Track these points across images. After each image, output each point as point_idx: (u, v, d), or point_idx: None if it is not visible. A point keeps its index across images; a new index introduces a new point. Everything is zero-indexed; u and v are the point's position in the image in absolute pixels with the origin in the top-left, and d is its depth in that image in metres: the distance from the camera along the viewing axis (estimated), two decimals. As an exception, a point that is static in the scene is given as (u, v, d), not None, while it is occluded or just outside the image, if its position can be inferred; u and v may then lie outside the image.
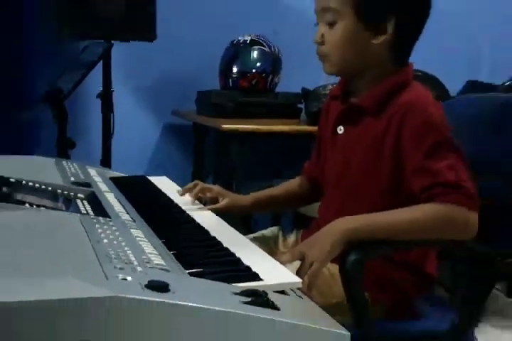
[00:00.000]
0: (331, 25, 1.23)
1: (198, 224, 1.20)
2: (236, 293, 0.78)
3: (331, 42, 1.24)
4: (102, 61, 2.41)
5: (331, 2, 1.22)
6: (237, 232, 1.18)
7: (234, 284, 0.83)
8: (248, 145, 2.56)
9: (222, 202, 1.43)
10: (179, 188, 1.55)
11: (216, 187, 1.48)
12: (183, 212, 1.31)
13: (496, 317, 2.74)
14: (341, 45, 1.23)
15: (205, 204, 1.43)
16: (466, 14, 3.43)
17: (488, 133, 1.43)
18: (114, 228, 0.99)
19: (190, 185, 1.46)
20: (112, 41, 2.40)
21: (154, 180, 1.65)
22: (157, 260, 0.86)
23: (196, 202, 1.42)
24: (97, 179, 1.47)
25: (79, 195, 1.22)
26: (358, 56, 1.25)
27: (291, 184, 1.53)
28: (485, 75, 3.29)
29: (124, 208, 1.21)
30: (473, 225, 1.14)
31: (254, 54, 2.81)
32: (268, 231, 1.51)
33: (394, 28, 1.21)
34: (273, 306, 0.77)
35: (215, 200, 1.45)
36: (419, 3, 1.25)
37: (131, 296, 0.67)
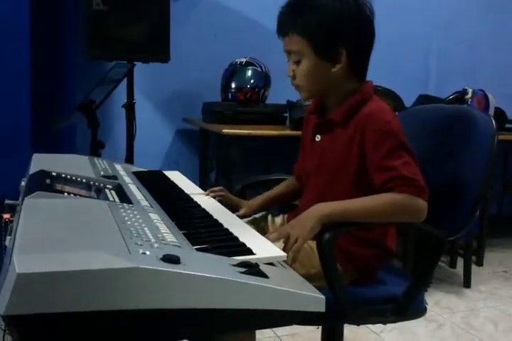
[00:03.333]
0: (298, 62, 1.24)
1: (204, 209, 1.20)
2: (234, 265, 0.78)
3: (300, 76, 1.25)
4: (126, 78, 2.39)
5: (293, 45, 1.23)
6: (234, 216, 1.18)
7: (232, 257, 0.83)
8: (244, 146, 2.55)
9: (241, 212, 1.43)
10: (189, 181, 1.55)
11: (236, 200, 1.47)
12: (192, 199, 1.30)
13: (441, 284, 2.75)
14: (308, 78, 1.25)
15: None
16: (420, 40, 3.43)
17: (434, 135, 1.43)
18: (135, 212, 0.98)
19: (217, 188, 1.45)
20: (134, 62, 2.39)
21: (168, 174, 1.64)
22: (170, 238, 0.86)
23: (202, 191, 1.42)
24: (122, 173, 1.46)
25: (107, 185, 1.21)
26: (322, 83, 1.26)
27: (287, 184, 1.52)
28: (433, 90, 3.30)
29: (144, 196, 1.20)
30: (422, 211, 1.14)
31: (249, 73, 2.80)
32: (260, 215, 1.51)
33: (346, 57, 1.21)
34: (263, 275, 0.77)
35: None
36: (363, 35, 1.24)
37: (149, 267, 0.67)
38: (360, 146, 1.21)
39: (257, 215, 1.50)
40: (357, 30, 1.22)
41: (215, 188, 1.45)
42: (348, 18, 1.21)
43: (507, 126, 3.10)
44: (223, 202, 1.38)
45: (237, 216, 1.37)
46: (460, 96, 2.89)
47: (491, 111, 2.93)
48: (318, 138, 1.33)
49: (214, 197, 1.41)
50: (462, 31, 3.51)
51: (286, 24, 1.25)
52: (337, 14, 1.20)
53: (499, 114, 3.03)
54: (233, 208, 1.43)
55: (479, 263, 3.05)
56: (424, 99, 2.88)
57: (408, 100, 2.78)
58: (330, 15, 1.20)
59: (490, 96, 2.94)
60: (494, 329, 2.25)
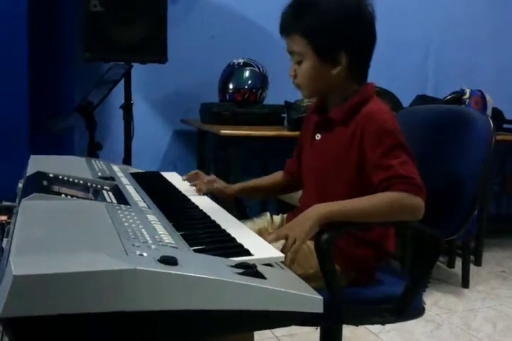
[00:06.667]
0: (299, 62, 1.25)
1: (201, 210, 1.19)
2: (231, 266, 0.78)
3: (301, 76, 1.26)
4: (123, 79, 2.39)
5: (295, 47, 1.25)
6: (232, 217, 1.17)
7: (230, 258, 0.83)
8: (242, 146, 2.56)
9: (214, 185, 1.46)
10: (187, 182, 1.54)
11: (211, 177, 1.49)
12: (189, 200, 1.30)
13: (439, 284, 2.75)
14: (308, 78, 1.26)
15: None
16: (418, 42, 3.44)
17: (431, 135, 1.43)
18: (133, 213, 0.98)
19: (192, 173, 1.49)
20: (132, 63, 2.39)
21: (166, 175, 1.63)
22: (168, 239, 0.86)
23: (199, 192, 1.42)
24: (120, 174, 1.45)
25: (105, 187, 1.21)
26: (322, 84, 1.27)
27: (274, 177, 1.54)
28: (431, 91, 3.30)
29: (142, 197, 1.20)
30: (420, 209, 1.14)
31: (246, 73, 2.80)
32: (258, 217, 1.51)
33: (346, 60, 1.22)
34: (261, 276, 0.77)
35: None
36: (364, 38, 1.24)
37: (146, 268, 0.67)
38: (360, 145, 1.22)
39: (256, 217, 1.50)
40: (358, 33, 1.23)
41: (191, 174, 1.48)
42: (349, 21, 1.21)
43: (504, 126, 3.10)
44: (221, 203, 1.38)
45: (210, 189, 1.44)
46: (458, 97, 2.89)
47: (489, 112, 2.94)
48: (318, 136, 1.34)
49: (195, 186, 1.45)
50: (460, 32, 3.52)
51: (288, 25, 1.25)
52: (339, 17, 1.21)
53: (497, 114, 3.04)
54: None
55: (478, 263, 3.05)
56: (421, 99, 2.88)
57: (406, 101, 2.79)
58: (332, 19, 1.20)
59: (487, 96, 2.94)
60: (493, 330, 2.25)
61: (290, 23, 1.25)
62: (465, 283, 2.74)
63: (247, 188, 1.51)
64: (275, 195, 1.56)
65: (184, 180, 1.51)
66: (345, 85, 1.27)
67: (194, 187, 1.45)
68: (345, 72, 1.24)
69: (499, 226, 3.55)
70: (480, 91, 2.94)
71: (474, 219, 1.30)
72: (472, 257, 2.95)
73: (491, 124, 1.32)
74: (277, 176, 1.53)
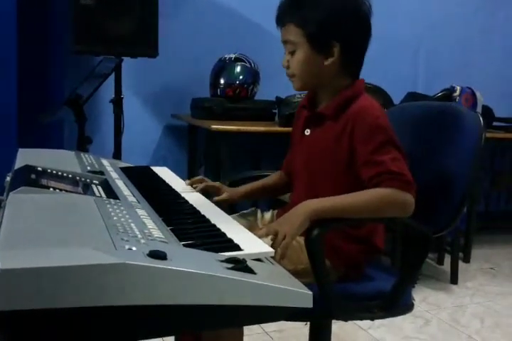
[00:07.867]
0: (293, 53, 1.26)
1: (191, 205, 1.19)
2: (221, 261, 0.78)
3: (293, 66, 1.27)
4: (114, 73, 2.37)
5: (290, 36, 1.25)
6: (222, 211, 1.17)
7: (219, 253, 0.82)
8: (233, 142, 2.55)
9: (223, 196, 1.43)
10: (177, 177, 1.53)
11: (217, 184, 1.46)
12: (179, 195, 1.29)
13: (429, 280, 2.77)
14: (300, 68, 1.26)
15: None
16: (410, 40, 3.44)
17: (421, 132, 1.44)
18: (122, 208, 0.97)
19: (197, 178, 1.45)
20: (122, 57, 2.37)
21: (156, 169, 1.63)
22: (157, 234, 0.85)
23: (189, 187, 1.41)
24: (109, 168, 1.44)
25: (94, 181, 1.20)
26: (314, 75, 1.27)
27: (273, 177, 1.52)
28: (421, 88, 3.31)
29: (131, 192, 1.19)
30: (410, 205, 1.15)
31: (238, 69, 2.79)
32: (248, 211, 1.50)
33: (339, 52, 1.22)
34: (251, 271, 0.77)
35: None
36: (358, 32, 1.25)
37: (135, 263, 0.66)
38: (350, 141, 1.22)
39: (245, 211, 1.50)
40: (352, 26, 1.23)
41: (195, 179, 1.44)
42: (346, 15, 1.22)
43: (494, 123, 3.12)
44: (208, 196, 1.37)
45: (219, 200, 1.40)
46: (448, 94, 2.90)
47: (479, 109, 2.95)
48: (307, 132, 1.34)
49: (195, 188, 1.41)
50: (451, 31, 3.53)
51: (285, 14, 1.26)
52: (336, 10, 1.22)
53: (487, 111, 3.05)
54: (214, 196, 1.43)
55: (466, 260, 3.07)
56: (411, 96, 2.89)
57: (397, 98, 2.80)
58: (328, 11, 1.21)
59: (478, 93, 2.96)
60: (481, 326, 2.27)
61: (287, 13, 1.25)
62: (454, 280, 2.75)
63: (252, 192, 1.49)
64: (275, 196, 1.54)
65: (188, 184, 1.44)
66: (337, 80, 1.27)
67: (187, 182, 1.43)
68: (337, 66, 1.24)
69: (488, 223, 3.58)
70: (470, 88, 2.95)
71: (463, 216, 1.31)
72: (461, 254, 2.97)
73: (481, 122, 1.33)
74: (277, 176, 1.52)
